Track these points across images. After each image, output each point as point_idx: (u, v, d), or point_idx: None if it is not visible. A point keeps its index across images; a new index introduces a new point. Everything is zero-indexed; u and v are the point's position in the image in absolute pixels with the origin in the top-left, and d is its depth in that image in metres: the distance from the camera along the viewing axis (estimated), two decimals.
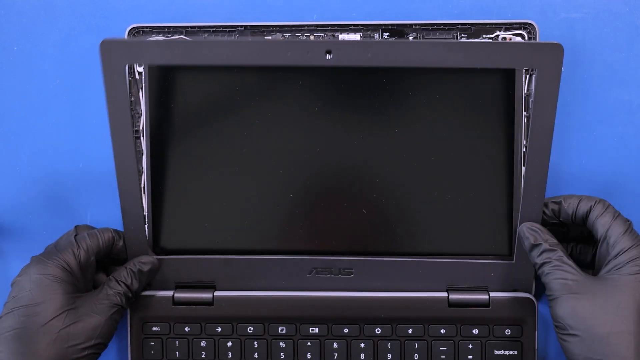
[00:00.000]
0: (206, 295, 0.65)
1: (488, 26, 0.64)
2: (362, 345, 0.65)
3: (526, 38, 0.63)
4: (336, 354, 0.65)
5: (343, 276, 0.65)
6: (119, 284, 0.61)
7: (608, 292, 0.56)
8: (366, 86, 0.63)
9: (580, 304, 0.56)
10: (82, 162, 0.68)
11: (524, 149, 0.63)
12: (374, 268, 0.64)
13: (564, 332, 0.56)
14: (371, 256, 0.64)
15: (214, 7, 0.67)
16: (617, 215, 0.59)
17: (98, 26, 0.67)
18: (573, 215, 0.61)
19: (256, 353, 0.65)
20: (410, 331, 0.65)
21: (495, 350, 0.64)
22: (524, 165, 0.62)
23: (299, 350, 0.65)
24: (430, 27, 0.64)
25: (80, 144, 0.68)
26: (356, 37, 0.64)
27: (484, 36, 0.63)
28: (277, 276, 0.65)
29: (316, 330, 0.65)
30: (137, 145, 0.64)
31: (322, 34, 0.64)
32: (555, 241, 0.60)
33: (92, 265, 0.62)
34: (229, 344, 0.65)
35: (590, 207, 0.60)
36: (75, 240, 0.61)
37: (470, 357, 0.64)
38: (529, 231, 0.60)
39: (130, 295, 0.62)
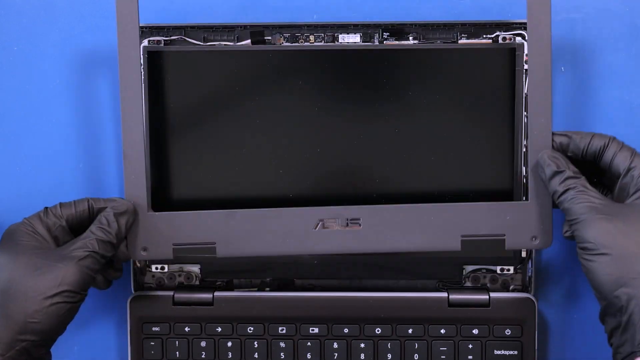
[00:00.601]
0: (206, 295, 0.65)
1: (488, 26, 0.64)
2: (362, 345, 0.65)
3: (526, 38, 0.62)
4: (336, 354, 0.65)
5: (350, 228, 0.62)
6: (92, 233, 0.59)
7: (639, 214, 0.55)
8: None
9: (612, 224, 0.54)
10: (82, 162, 0.68)
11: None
12: (384, 217, 0.61)
13: (593, 252, 0.54)
14: (380, 204, 0.62)
15: (214, 7, 0.67)
16: (634, 150, 0.58)
17: (98, 26, 0.67)
18: (584, 149, 0.59)
19: (256, 353, 0.65)
20: (410, 331, 0.65)
21: (495, 350, 0.64)
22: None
23: (299, 350, 0.65)
24: (430, 27, 0.64)
25: (81, 144, 0.68)
26: (356, 37, 0.64)
27: (484, 36, 0.63)
28: (280, 232, 0.62)
29: (316, 330, 0.65)
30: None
31: (322, 34, 0.64)
32: (577, 169, 0.58)
33: (64, 230, 0.60)
34: (229, 344, 0.65)
35: (605, 143, 0.59)
36: (45, 208, 0.61)
37: (470, 357, 0.65)
38: (552, 158, 0.59)
39: (106, 238, 0.59)
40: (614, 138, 0.59)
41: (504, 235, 0.61)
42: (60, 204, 0.61)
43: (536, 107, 0.60)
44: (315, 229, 0.62)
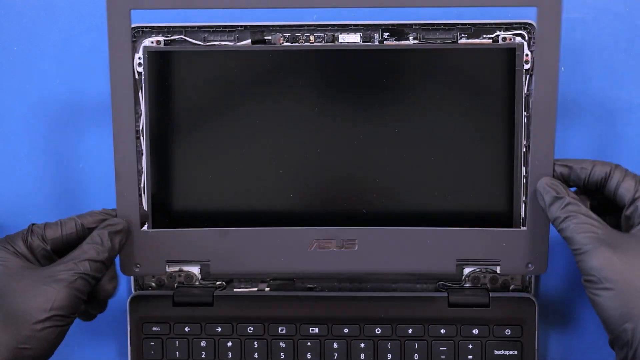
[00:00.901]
0: (206, 295, 0.65)
1: (488, 26, 0.64)
2: (362, 345, 0.65)
3: (526, 38, 0.63)
4: (336, 354, 0.65)
5: (346, 249, 0.62)
6: (84, 252, 0.57)
7: None
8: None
9: (616, 256, 0.53)
10: (82, 162, 0.68)
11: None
12: (379, 239, 0.62)
13: (598, 287, 0.52)
14: (376, 225, 0.62)
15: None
16: (638, 178, 0.57)
17: (98, 26, 0.67)
18: (586, 179, 0.58)
19: (256, 353, 0.65)
20: (410, 331, 0.65)
21: (495, 350, 0.65)
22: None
23: (299, 350, 0.65)
24: (430, 27, 0.64)
25: (81, 144, 0.68)
26: (356, 37, 0.64)
27: (484, 36, 0.64)
28: (275, 251, 0.62)
29: (316, 330, 0.65)
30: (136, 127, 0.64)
31: (322, 34, 0.64)
32: (577, 197, 0.57)
33: (47, 254, 0.58)
34: (229, 344, 0.65)
35: (607, 172, 0.57)
36: (30, 227, 0.58)
37: (470, 357, 0.65)
38: (551, 184, 0.57)
39: (99, 258, 0.57)
40: (617, 166, 0.57)
41: (499, 260, 0.62)
42: (46, 224, 0.58)
43: (538, 136, 0.60)
44: (310, 249, 0.62)
